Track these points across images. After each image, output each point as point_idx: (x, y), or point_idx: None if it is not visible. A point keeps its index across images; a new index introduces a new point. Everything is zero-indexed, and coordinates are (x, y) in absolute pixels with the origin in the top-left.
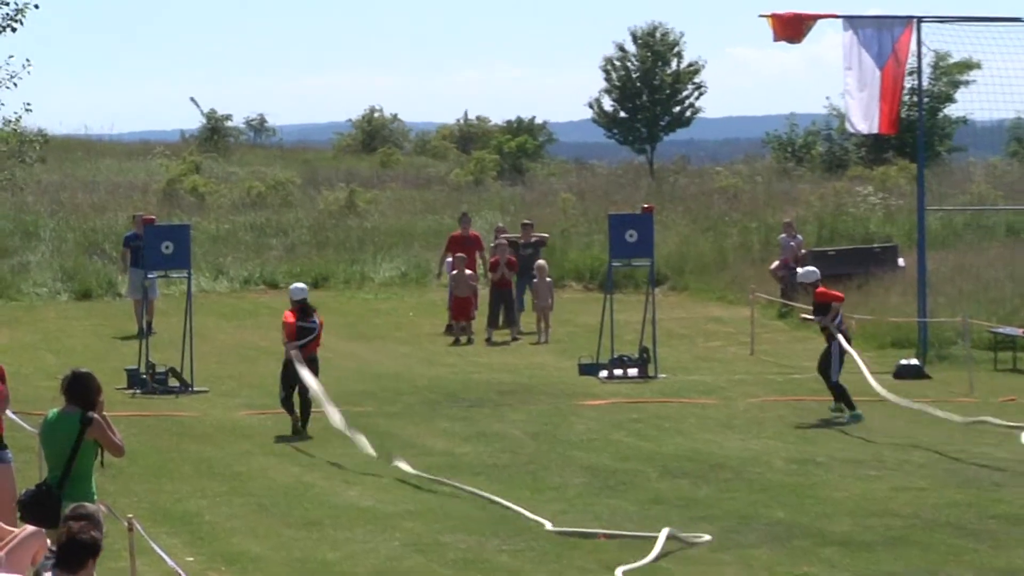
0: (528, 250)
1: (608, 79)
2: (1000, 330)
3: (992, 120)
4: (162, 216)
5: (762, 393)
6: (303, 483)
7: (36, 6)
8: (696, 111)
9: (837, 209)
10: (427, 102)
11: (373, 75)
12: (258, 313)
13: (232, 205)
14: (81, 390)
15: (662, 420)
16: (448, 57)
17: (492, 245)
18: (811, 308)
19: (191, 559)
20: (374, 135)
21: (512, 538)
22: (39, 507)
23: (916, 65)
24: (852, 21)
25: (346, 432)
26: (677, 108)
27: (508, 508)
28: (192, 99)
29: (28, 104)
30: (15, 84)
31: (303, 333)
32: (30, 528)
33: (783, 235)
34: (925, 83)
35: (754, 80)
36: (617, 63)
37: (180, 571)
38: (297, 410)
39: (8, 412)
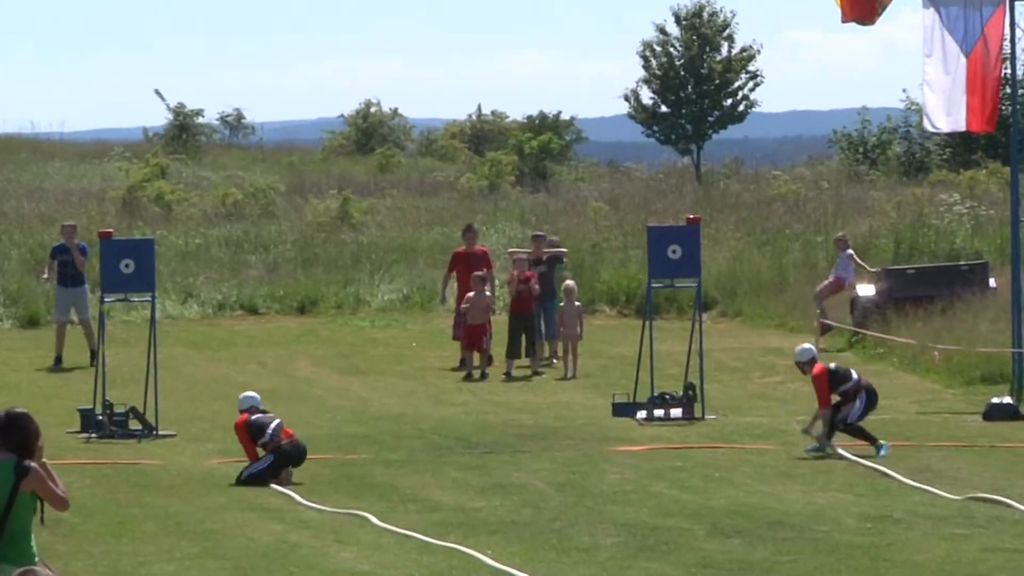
0: (541, 267)
1: (647, 67)
2: None
3: None
4: (121, 229)
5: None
6: (287, 543)
7: None
8: (751, 105)
9: (917, 220)
10: (433, 94)
11: (369, 63)
12: (234, 343)
13: (204, 216)
14: (16, 434)
15: (710, 469)
16: (458, 42)
17: (514, 259)
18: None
19: None
20: (371, 133)
21: None
22: None
23: (1009, 51)
24: None
25: None
26: (728, 101)
27: None
28: (157, 92)
29: None
30: None
31: (258, 429)
32: None
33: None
34: (1020, 72)
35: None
36: (657, 48)
37: None
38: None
39: None
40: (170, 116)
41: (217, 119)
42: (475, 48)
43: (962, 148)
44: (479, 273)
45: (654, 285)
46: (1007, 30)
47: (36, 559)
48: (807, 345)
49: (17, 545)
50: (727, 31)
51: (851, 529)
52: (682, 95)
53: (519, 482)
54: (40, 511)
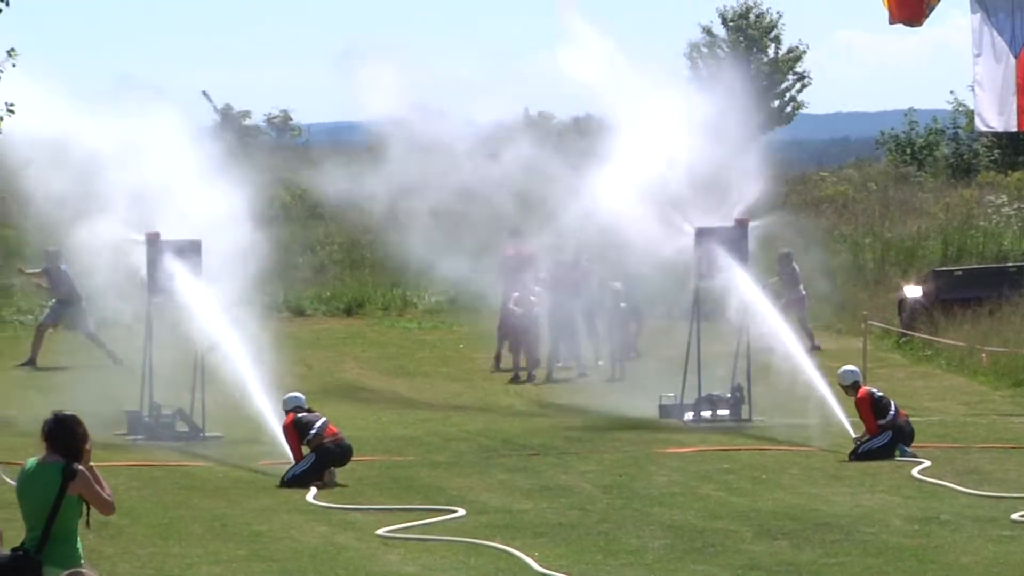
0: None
1: (693, 68)
2: None
3: None
4: None
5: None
6: (334, 545)
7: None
8: (798, 106)
9: (965, 222)
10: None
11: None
12: (281, 345)
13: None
14: (64, 436)
15: (758, 471)
16: (507, 41)
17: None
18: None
19: None
20: None
21: None
22: (16, 575)
23: None
24: (982, 0)
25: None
26: (775, 103)
27: None
28: (204, 93)
29: (11, 105)
30: None
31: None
32: None
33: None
34: None
35: (866, 70)
36: (704, 50)
37: None
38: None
39: None
40: (217, 118)
41: (264, 120)
42: (523, 46)
43: (1010, 149)
44: (526, 275)
45: (702, 286)
46: None
47: (82, 561)
48: (851, 367)
49: (63, 547)
50: (774, 32)
51: (898, 531)
52: None
53: (566, 484)
54: (86, 514)
